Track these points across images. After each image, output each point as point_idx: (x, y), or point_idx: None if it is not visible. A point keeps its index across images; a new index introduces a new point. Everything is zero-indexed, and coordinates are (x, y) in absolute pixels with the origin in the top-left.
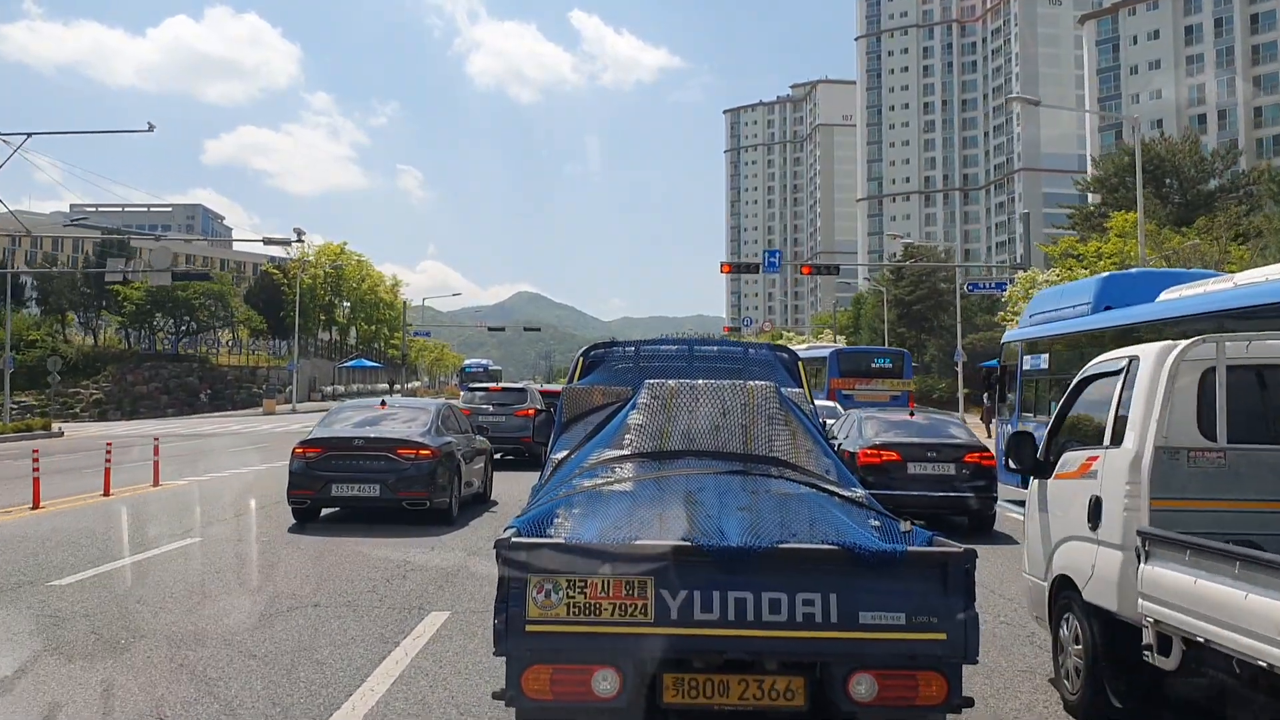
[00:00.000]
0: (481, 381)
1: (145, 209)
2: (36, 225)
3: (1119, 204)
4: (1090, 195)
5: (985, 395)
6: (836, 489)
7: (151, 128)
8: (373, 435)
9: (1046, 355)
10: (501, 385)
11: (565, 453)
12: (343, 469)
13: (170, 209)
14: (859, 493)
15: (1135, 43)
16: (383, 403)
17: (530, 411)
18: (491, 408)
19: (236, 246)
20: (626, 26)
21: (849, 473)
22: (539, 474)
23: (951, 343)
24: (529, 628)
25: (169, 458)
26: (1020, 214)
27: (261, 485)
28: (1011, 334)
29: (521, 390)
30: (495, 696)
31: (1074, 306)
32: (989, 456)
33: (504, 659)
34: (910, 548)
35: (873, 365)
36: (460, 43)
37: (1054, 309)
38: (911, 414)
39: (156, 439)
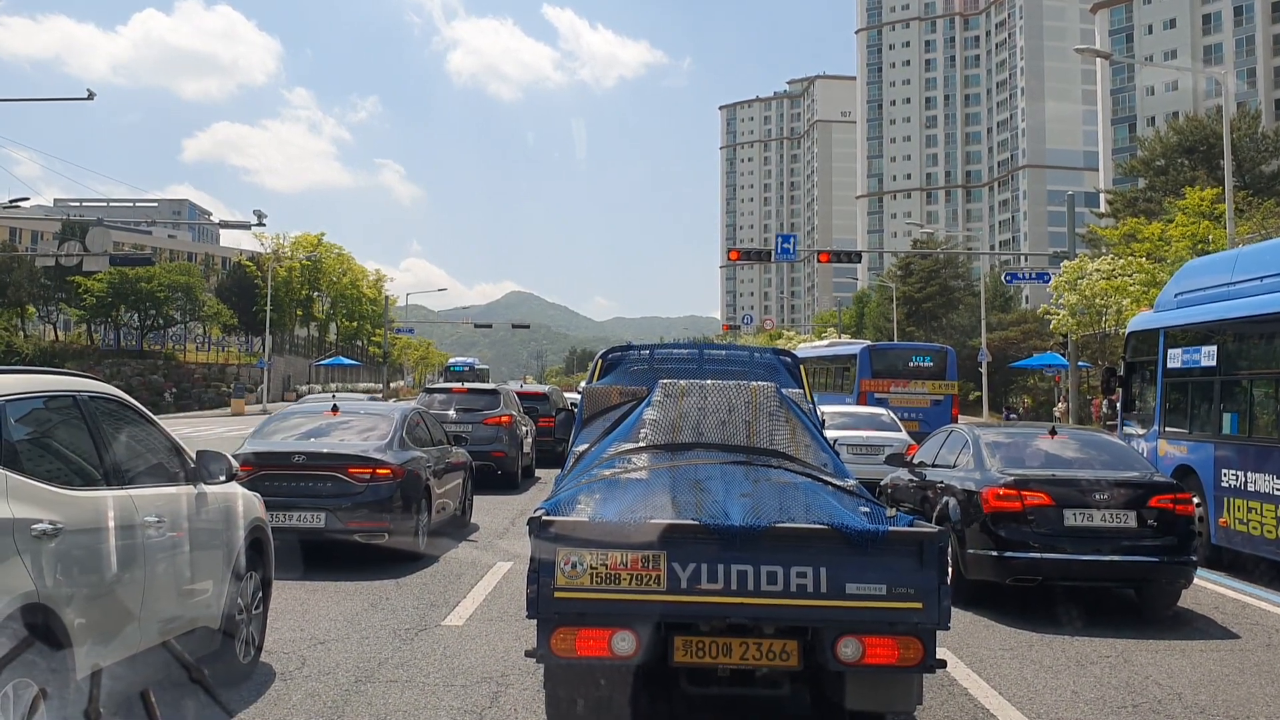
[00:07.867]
0: (469, 382)
1: (130, 204)
2: None
3: (1168, 186)
4: (1104, 187)
5: (1106, 402)
6: (831, 479)
7: (91, 95)
8: (318, 450)
9: (1214, 348)
10: (468, 386)
11: (586, 445)
12: (279, 493)
13: (156, 204)
14: (850, 483)
15: (1150, 32)
16: (334, 408)
17: (505, 419)
18: (454, 414)
19: (224, 242)
20: (601, 21)
21: (843, 465)
22: (554, 473)
23: (961, 341)
24: (557, 594)
25: None
26: (1066, 197)
27: None
28: (1145, 318)
29: (493, 393)
30: (528, 654)
31: (1263, 279)
32: (1185, 500)
33: (535, 621)
34: (891, 528)
35: (911, 364)
36: (439, 41)
37: (1225, 283)
38: (1053, 431)
39: None
